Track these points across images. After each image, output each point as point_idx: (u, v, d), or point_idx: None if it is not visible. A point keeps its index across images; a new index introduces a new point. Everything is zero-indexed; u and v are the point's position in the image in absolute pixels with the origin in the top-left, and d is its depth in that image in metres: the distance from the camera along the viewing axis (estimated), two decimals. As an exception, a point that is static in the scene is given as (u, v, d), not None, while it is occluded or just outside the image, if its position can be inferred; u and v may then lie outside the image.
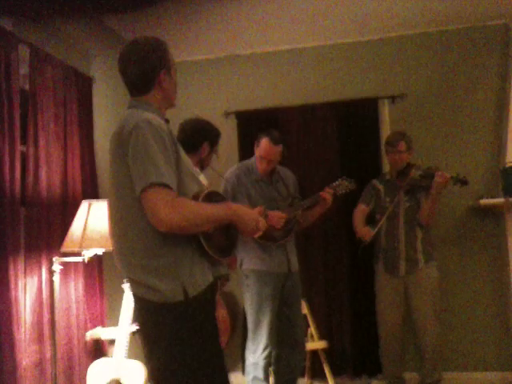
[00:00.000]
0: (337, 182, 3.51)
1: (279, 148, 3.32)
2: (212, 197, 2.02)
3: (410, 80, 4.60)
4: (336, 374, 4.28)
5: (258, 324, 3.21)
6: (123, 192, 1.89)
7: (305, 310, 4.30)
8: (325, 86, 4.74)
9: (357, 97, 4.62)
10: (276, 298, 3.25)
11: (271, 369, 3.36)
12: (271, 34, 4.57)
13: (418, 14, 4.27)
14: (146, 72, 2.00)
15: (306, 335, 4.25)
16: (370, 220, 4.03)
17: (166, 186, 1.79)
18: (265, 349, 3.20)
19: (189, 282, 1.85)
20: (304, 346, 3.30)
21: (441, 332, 3.92)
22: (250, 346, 3.25)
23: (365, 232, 3.86)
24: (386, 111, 4.63)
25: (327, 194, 3.38)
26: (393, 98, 4.60)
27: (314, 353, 4.23)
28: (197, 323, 1.87)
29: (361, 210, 4.03)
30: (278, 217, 3.20)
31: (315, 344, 4.18)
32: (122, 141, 1.87)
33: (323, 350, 4.13)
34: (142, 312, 1.93)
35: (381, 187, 4.01)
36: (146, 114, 1.91)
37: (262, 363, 3.19)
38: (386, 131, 4.54)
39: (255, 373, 3.21)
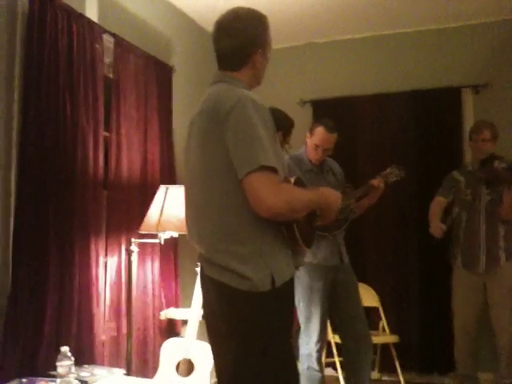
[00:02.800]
0: (387, 171, 3.42)
1: (334, 136, 3.29)
2: (299, 182, 1.99)
3: (494, 69, 4.39)
4: (406, 369, 4.21)
5: (309, 317, 3.22)
6: (214, 173, 1.79)
7: (376, 302, 4.25)
8: (404, 74, 4.63)
9: (438, 86, 4.47)
10: (326, 291, 3.24)
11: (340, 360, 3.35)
12: (348, 22, 4.50)
13: (503, 0, 4.06)
14: (243, 48, 1.90)
15: (378, 328, 4.22)
16: (451, 210, 3.90)
17: (273, 169, 1.70)
18: (318, 341, 3.22)
19: (276, 271, 1.77)
20: (370, 338, 3.26)
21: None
22: (303, 337, 3.27)
23: (436, 229, 3.74)
24: (469, 101, 4.46)
25: (378, 183, 3.32)
26: (476, 88, 4.41)
27: (385, 346, 4.18)
28: (280, 314, 1.82)
29: (438, 203, 3.90)
30: None
31: (386, 338, 4.13)
32: (219, 118, 1.75)
33: (394, 344, 4.08)
34: (222, 299, 1.83)
35: (461, 179, 3.85)
36: (244, 91, 1.81)
37: (315, 355, 3.22)
38: (469, 122, 4.38)
39: (309, 363, 3.24)
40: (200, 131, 1.84)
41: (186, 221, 1.97)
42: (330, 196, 1.99)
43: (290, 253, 1.88)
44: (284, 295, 1.83)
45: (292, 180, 1.95)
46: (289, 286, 1.84)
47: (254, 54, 1.91)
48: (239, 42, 1.89)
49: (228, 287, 1.78)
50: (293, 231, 1.83)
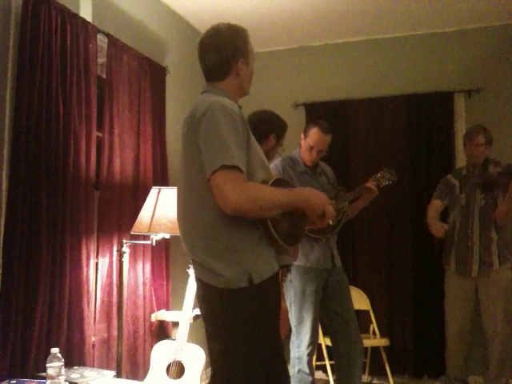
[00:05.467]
0: (379, 174, 3.45)
1: (329, 137, 3.31)
2: (280, 184, 2.00)
3: (487, 74, 4.41)
4: (397, 372, 4.23)
5: (301, 320, 3.23)
6: (192, 174, 1.89)
7: (367, 305, 4.25)
8: (396, 78, 4.65)
9: (431, 90, 4.49)
10: (319, 294, 3.25)
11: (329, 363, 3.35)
12: (342, 26, 4.51)
13: (496, 6, 4.08)
14: (223, 59, 2.01)
15: (368, 331, 4.22)
16: (444, 213, 3.91)
17: (236, 168, 1.77)
18: (309, 345, 3.23)
19: (254, 268, 1.83)
20: (361, 342, 3.26)
21: (511, 337, 3.76)
22: (294, 340, 3.27)
23: (437, 228, 3.73)
24: (461, 105, 4.48)
25: (372, 185, 3.34)
26: (469, 92, 4.43)
27: (375, 350, 4.18)
28: (259, 311, 1.84)
29: (434, 206, 3.91)
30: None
31: (376, 341, 4.13)
32: (194, 124, 1.87)
33: (384, 347, 4.08)
34: (206, 296, 1.92)
35: (456, 183, 3.87)
36: (219, 98, 1.91)
37: (306, 358, 3.23)
38: (461, 126, 4.41)
39: (300, 366, 3.25)
40: (183, 137, 1.96)
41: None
42: (311, 195, 2.00)
43: (273, 250, 1.91)
44: (264, 293, 1.86)
45: (271, 181, 1.96)
46: (270, 283, 1.87)
47: (236, 63, 2.03)
48: (221, 55, 2.01)
49: (207, 285, 1.87)
50: (268, 229, 1.86)
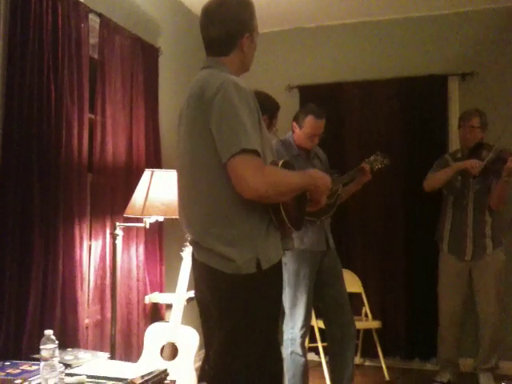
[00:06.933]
0: (372, 157, 3.45)
1: (324, 120, 3.28)
2: (287, 166, 1.98)
3: (481, 57, 4.40)
4: (388, 354, 4.27)
5: (295, 302, 3.24)
6: (201, 158, 1.81)
7: (359, 288, 4.28)
8: (391, 61, 4.63)
9: (425, 73, 4.48)
10: (313, 277, 3.26)
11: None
12: (337, 7, 4.47)
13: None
14: (229, 33, 1.91)
15: (360, 314, 4.26)
16: (436, 196, 3.91)
17: (255, 152, 1.72)
18: (302, 327, 3.25)
19: (263, 254, 1.80)
20: (354, 325, 3.29)
21: (502, 319, 3.81)
22: (288, 322, 3.29)
23: (473, 163, 3.59)
24: (455, 89, 4.47)
25: (366, 167, 3.36)
26: (463, 76, 4.42)
27: (367, 332, 4.22)
28: (267, 297, 1.84)
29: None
30: None
31: (369, 323, 4.17)
32: (204, 103, 1.78)
33: (376, 329, 4.12)
34: (213, 282, 1.86)
35: (452, 164, 3.87)
36: (228, 75, 1.83)
37: (299, 340, 3.24)
38: (454, 110, 4.41)
39: (293, 348, 3.26)
40: (187, 117, 1.87)
41: (178, 206, 2.00)
42: (319, 178, 1.99)
43: (279, 236, 1.89)
44: (271, 278, 1.85)
45: (280, 163, 1.94)
46: (276, 269, 1.86)
47: (242, 38, 1.94)
48: (227, 28, 1.91)
49: (215, 271, 1.81)
50: (280, 214, 1.83)
